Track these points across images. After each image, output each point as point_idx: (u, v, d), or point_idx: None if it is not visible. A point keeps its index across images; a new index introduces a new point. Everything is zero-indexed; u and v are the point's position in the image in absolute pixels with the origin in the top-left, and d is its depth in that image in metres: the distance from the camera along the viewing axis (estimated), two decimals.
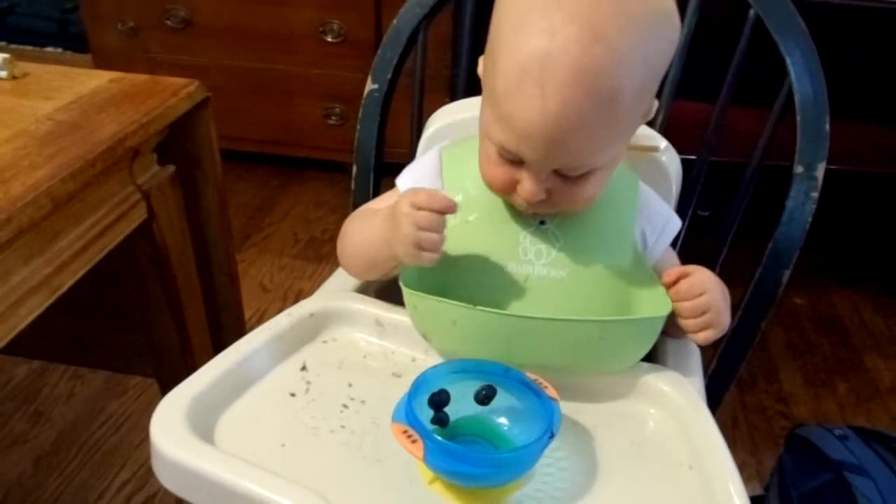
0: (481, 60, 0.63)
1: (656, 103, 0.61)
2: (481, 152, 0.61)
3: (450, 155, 0.68)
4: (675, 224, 0.69)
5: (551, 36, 0.51)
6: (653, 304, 0.62)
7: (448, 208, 0.58)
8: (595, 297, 0.63)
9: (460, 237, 0.63)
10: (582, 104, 0.52)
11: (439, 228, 0.58)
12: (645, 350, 0.62)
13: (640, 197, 0.67)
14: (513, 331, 0.58)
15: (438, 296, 0.59)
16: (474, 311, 0.57)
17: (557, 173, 0.57)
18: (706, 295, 0.62)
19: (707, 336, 0.63)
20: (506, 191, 0.61)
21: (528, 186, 0.58)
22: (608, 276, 0.64)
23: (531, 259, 0.63)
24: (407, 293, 0.60)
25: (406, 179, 0.69)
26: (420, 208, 0.58)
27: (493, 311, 0.58)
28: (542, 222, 0.63)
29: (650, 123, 0.79)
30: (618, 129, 0.56)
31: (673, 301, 0.62)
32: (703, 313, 0.62)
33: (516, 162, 0.58)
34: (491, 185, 0.62)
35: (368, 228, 0.65)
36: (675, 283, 0.63)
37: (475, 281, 0.63)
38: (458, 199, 0.63)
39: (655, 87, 0.59)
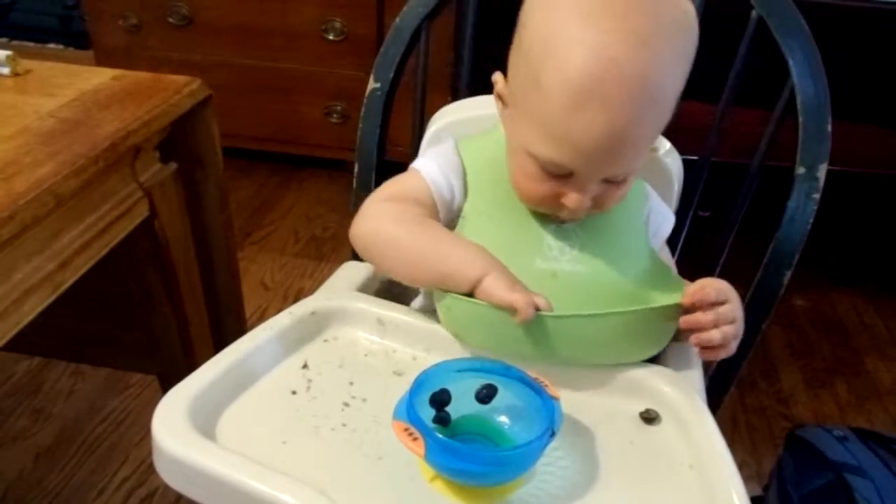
0: (500, 78, 0.63)
1: None
2: (516, 167, 0.62)
3: (468, 151, 0.68)
4: (671, 222, 0.72)
5: (600, 49, 0.52)
6: (670, 294, 0.63)
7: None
8: (615, 291, 0.64)
9: (484, 234, 0.63)
10: (641, 113, 0.54)
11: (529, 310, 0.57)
12: (666, 338, 0.63)
13: (649, 194, 0.70)
14: (552, 328, 0.58)
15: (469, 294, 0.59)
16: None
17: (605, 180, 0.59)
18: (730, 304, 0.60)
19: (732, 348, 0.61)
20: (548, 204, 0.61)
21: (575, 198, 0.59)
22: (626, 270, 0.65)
23: (556, 255, 0.64)
24: (445, 296, 0.60)
25: (431, 166, 0.67)
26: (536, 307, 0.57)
27: (545, 314, 0.57)
28: (563, 222, 0.64)
29: None
30: (659, 130, 0.59)
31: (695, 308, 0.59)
32: (732, 322, 0.60)
33: (563, 175, 0.58)
34: (530, 201, 0.62)
35: (434, 242, 0.62)
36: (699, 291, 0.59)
37: None
38: (479, 199, 0.65)
39: None
